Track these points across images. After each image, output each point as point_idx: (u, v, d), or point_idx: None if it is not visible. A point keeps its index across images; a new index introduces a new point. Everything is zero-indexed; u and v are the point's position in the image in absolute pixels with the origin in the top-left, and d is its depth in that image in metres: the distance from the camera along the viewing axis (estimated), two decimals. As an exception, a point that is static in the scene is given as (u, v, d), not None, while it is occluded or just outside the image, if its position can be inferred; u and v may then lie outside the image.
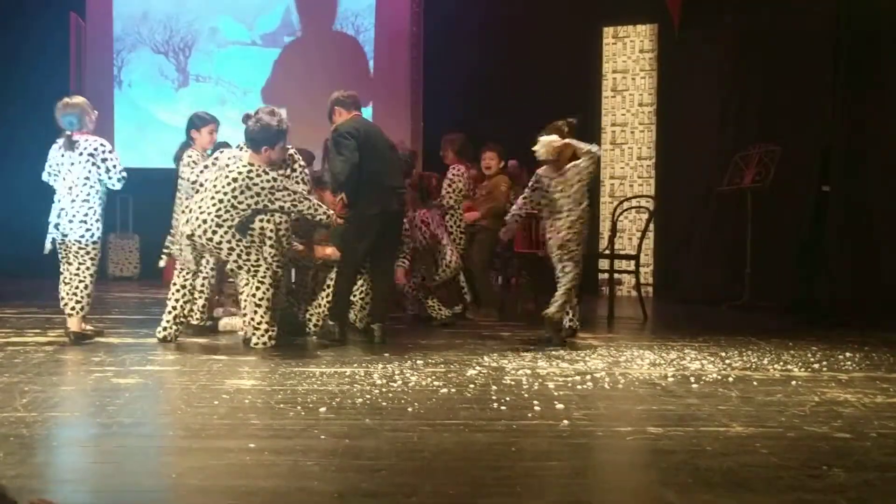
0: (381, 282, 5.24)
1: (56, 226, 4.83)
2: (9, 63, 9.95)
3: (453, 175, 6.58)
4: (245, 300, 4.73)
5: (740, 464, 2.57)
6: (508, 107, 10.10)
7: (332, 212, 4.91)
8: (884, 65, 6.88)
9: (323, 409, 3.18)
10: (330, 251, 5.21)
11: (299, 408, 3.21)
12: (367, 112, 7.54)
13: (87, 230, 4.80)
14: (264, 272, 4.69)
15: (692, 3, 8.67)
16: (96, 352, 4.50)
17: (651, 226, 7.44)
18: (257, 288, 4.66)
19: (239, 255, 4.68)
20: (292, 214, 4.86)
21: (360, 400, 3.38)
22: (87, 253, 4.81)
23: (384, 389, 3.60)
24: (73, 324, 4.80)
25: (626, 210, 7.06)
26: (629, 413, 3.34)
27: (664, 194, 8.76)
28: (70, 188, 4.82)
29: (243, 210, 4.67)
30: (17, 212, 9.97)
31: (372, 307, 5.28)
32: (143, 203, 9.55)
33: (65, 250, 4.84)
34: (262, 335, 4.68)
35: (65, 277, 4.83)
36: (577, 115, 5.39)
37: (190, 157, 5.44)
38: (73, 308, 4.79)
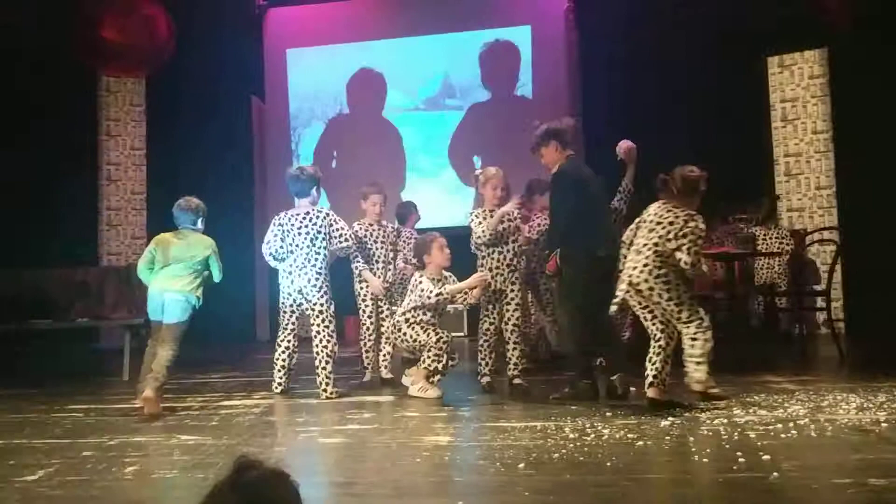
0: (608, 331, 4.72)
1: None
2: (198, 147, 10.91)
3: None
4: (319, 350, 5.30)
5: (983, 518, 2.37)
6: (672, 144, 9.93)
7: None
8: None
9: (521, 465, 3.22)
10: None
11: (498, 464, 3.27)
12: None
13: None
14: (331, 319, 5.33)
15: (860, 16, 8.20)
16: (299, 412, 4.78)
17: (839, 259, 7.03)
18: (329, 340, 5.30)
19: (324, 294, 5.34)
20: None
21: (557, 455, 3.39)
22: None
23: (578, 443, 3.61)
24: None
25: (810, 244, 6.73)
26: (844, 463, 3.15)
27: (850, 224, 8.26)
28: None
29: (325, 253, 5.40)
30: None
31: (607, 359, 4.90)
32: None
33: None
34: (333, 385, 5.29)
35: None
36: None
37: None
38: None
